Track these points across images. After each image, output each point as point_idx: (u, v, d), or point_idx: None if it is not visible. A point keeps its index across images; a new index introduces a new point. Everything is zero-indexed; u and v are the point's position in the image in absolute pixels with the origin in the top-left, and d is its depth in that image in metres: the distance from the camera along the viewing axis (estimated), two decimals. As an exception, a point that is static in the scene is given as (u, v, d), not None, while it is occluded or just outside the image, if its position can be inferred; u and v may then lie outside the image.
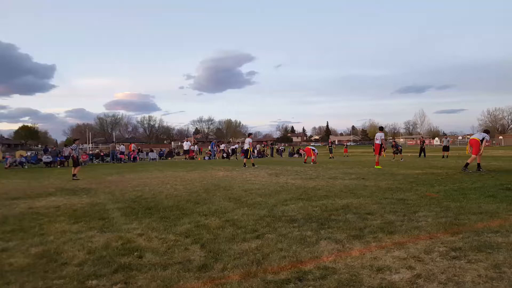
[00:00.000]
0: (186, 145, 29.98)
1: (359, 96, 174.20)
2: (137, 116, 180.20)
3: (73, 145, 13.91)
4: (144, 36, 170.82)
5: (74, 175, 12.42)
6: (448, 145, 23.89)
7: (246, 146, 17.25)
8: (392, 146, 23.45)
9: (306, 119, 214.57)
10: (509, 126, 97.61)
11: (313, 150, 18.23)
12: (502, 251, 3.10)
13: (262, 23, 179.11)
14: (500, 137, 75.31)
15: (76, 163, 12.99)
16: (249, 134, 18.84)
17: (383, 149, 14.77)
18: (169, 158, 31.01)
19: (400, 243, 3.46)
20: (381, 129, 15.27)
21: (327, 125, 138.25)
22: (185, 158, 28.85)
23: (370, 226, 4.15)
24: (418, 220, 4.42)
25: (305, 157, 19.45)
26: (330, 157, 25.94)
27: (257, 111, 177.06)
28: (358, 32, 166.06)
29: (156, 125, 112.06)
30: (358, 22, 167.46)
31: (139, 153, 29.27)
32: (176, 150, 37.35)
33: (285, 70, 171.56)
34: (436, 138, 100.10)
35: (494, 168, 12.23)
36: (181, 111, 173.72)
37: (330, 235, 3.87)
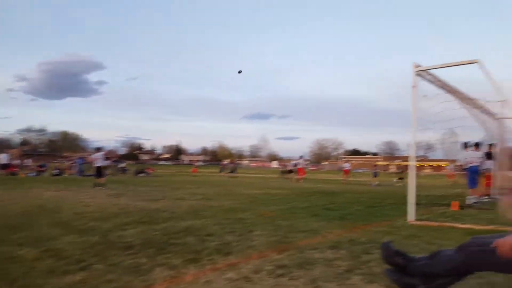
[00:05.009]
0: (4, 158, 24.92)
1: (212, 117, 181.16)
2: None
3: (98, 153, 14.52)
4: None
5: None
6: (292, 168, 27.05)
7: (99, 163, 15.05)
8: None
9: (157, 136, 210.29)
10: (332, 153, 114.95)
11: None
12: (318, 266, 3.49)
13: (118, 32, 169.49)
14: (326, 162, 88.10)
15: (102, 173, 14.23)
16: (98, 149, 16.57)
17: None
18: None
19: (233, 264, 3.57)
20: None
21: (179, 144, 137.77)
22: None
23: (208, 248, 4.19)
24: (252, 239, 4.67)
25: None
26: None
27: (102, 124, 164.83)
28: (213, 57, 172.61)
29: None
30: (215, 48, 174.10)
31: None
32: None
33: (141, 84, 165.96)
34: (274, 162, 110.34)
35: (322, 190, 14.03)
36: (6, 117, 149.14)
37: (166, 260, 3.74)
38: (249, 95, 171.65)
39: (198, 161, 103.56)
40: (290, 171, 27.59)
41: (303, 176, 22.98)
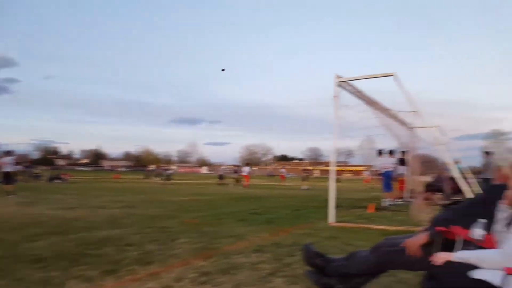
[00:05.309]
0: None
1: (136, 120, 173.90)
2: None
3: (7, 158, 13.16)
4: None
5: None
6: (222, 174, 27.64)
7: (8, 168, 13.45)
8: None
9: (76, 140, 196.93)
10: (261, 159, 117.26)
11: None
12: (243, 271, 3.48)
13: (33, 25, 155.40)
14: (255, 168, 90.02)
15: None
16: (7, 153, 14.90)
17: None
18: None
19: (155, 273, 3.42)
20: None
21: (99, 149, 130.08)
22: None
23: (127, 259, 3.97)
24: (176, 247, 4.53)
25: None
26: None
27: (13, 126, 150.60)
28: (139, 57, 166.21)
29: None
30: (138, 48, 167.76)
31: None
32: None
33: (58, 83, 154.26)
34: (204, 167, 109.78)
35: (251, 195, 14.16)
36: None
37: (81, 273, 3.47)
38: (177, 98, 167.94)
39: (121, 166, 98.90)
40: (221, 177, 27.74)
41: (248, 183, 23.40)
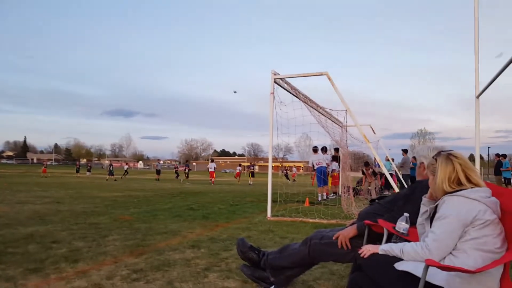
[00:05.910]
0: None
1: (65, 112, 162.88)
2: None
3: None
4: None
5: None
6: (160, 168, 26.57)
7: None
8: None
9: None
10: (201, 154, 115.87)
11: None
12: (177, 267, 3.43)
13: None
14: (194, 163, 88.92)
15: None
16: None
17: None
18: None
19: (83, 271, 3.25)
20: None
21: (25, 141, 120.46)
22: None
23: (53, 256, 3.73)
24: (106, 244, 4.34)
25: None
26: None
27: None
28: (69, 45, 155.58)
29: None
30: (68, 35, 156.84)
31: None
32: None
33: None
34: (140, 162, 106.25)
35: (188, 190, 13.96)
36: None
37: (1, 272, 3.21)
38: (111, 89, 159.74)
39: (50, 160, 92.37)
40: (159, 172, 26.89)
41: (213, 178, 22.90)
